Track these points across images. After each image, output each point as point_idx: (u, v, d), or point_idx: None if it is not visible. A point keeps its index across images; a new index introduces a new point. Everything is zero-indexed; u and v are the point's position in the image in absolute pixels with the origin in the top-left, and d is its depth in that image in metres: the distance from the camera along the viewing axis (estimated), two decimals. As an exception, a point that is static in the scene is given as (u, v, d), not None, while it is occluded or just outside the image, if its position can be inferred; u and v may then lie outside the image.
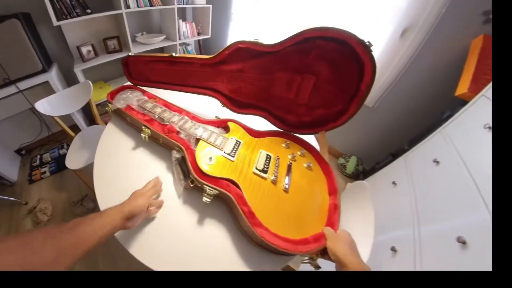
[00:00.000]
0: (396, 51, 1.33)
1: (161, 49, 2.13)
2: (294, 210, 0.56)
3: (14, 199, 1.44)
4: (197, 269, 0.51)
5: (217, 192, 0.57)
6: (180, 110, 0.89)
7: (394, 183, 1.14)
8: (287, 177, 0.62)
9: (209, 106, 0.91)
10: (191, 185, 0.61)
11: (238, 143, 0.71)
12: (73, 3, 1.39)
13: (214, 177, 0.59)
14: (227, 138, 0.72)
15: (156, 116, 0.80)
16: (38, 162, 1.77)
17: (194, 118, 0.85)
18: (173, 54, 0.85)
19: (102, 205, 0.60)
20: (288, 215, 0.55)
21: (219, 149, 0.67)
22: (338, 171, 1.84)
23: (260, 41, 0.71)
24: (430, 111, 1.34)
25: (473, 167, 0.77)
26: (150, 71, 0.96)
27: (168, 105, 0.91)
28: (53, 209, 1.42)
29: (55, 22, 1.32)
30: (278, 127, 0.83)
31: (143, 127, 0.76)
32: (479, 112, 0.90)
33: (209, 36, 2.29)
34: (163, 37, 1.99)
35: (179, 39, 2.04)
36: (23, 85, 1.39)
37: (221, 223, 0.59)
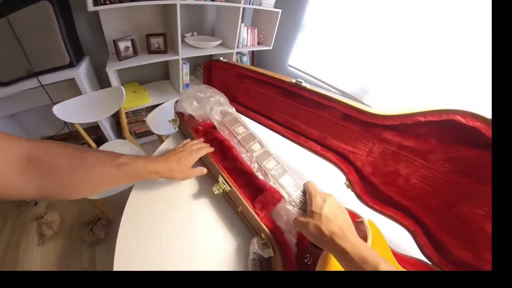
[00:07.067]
0: None
1: (210, 56, 1.75)
2: None
3: (24, 197, 1.31)
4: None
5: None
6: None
7: None
8: None
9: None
10: None
11: None
12: (115, -13, 1.10)
13: None
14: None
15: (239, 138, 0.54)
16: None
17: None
18: (302, 83, 0.52)
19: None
20: None
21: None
22: None
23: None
24: None
25: None
26: (241, 90, 0.67)
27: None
28: (61, 221, 1.26)
29: (91, 7, 1.03)
30: (424, 253, 0.47)
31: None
32: None
33: (271, 48, 1.88)
34: (219, 42, 1.63)
35: (237, 47, 1.66)
36: (46, 79, 1.15)
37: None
